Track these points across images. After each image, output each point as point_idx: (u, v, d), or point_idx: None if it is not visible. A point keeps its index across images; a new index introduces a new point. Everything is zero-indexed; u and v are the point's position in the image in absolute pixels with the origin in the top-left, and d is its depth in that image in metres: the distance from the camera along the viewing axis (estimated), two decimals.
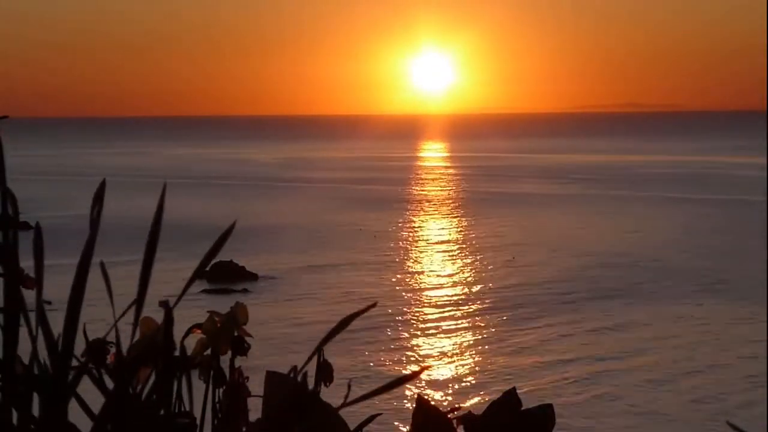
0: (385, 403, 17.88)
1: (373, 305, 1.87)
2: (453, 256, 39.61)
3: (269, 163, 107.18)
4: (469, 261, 38.08)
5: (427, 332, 26.66)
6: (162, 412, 1.84)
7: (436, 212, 56.21)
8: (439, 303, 30.30)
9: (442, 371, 22.92)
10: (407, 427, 2.79)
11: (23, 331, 1.79)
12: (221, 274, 32.34)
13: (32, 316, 1.80)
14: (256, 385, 2.24)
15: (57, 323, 1.80)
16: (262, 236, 42.95)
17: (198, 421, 2.06)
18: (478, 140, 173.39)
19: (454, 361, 23.85)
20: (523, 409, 2.66)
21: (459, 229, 48.23)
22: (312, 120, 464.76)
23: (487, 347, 25.00)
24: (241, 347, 2.21)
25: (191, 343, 2.17)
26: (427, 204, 61.02)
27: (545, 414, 2.65)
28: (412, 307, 29.45)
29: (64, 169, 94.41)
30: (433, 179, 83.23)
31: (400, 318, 27.85)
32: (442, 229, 48.59)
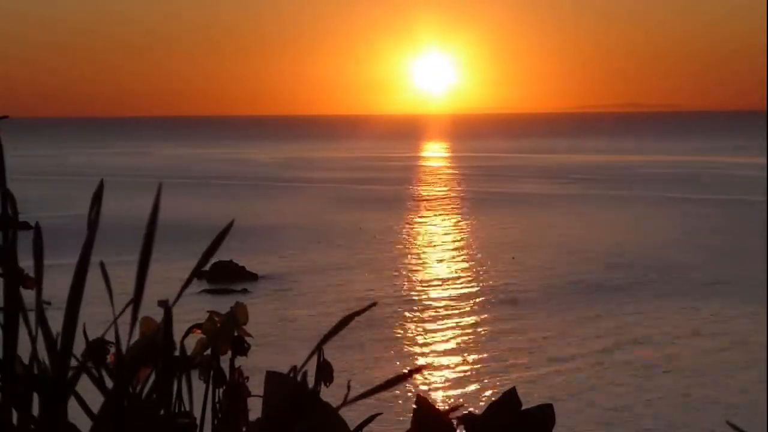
0: (385, 403, 17.89)
1: (374, 304, 1.87)
2: (453, 255, 39.61)
3: (269, 163, 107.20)
4: (469, 260, 38.08)
5: (427, 331, 26.66)
6: (162, 412, 1.84)
7: (437, 212, 56.21)
8: (439, 302, 30.30)
9: (442, 370, 22.92)
10: (407, 427, 2.79)
11: (23, 331, 1.79)
12: (221, 274, 32.36)
13: (32, 315, 1.80)
14: (256, 385, 2.24)
15: (56, 323, 1.80)
16: (262, 236, 42.95)
17: (198, 421, 2.06)
18: (479, 140, 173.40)
19: (454, 361, 23.85)
20: (523, 409, 2.66)
21: (459, 229, 48.23)
22: (313, 120, 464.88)
23: (487, 347, 25.00)
24: (241, 347, 2.21)
25: (191, 343, 2.17)
26: (427, 204, 61.02)
27: (545, 414, 2.65)
28: (412, 307, 29.45)
29: (63, 169, 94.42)
30: (433, 179, 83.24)
31: (400, 317, 27.85)
32: (443, 228, 48.59)
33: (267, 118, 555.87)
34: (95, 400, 1.86)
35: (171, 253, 33.64)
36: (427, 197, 65.65)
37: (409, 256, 39.25)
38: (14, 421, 1.76)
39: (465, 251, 40.63)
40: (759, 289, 30.16)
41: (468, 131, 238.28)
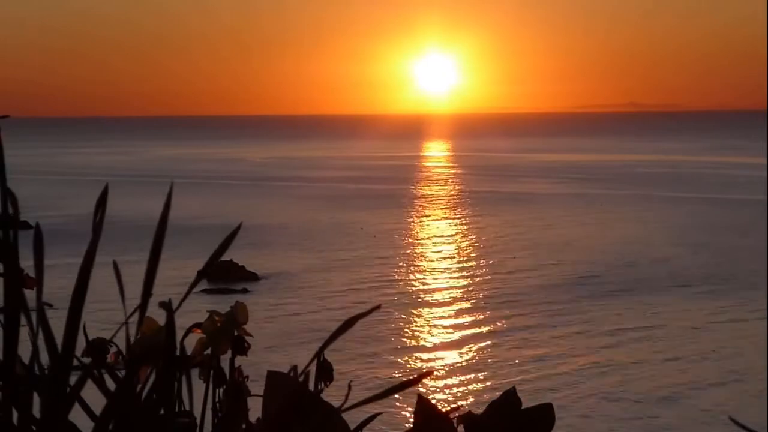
0: (385, 402, 17.88)
1: (377, 307, 1.87)
2: (454, 255, 39.60)
3: (270, 162, 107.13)
4: (470, 260, 38.08)
5: (426, 331, 26.66)
6: (162, 412, 1.84)
7: (438, 211, 56.20)
8: (439, 302, 30.30)
9: (442, 370, 22.92)
10: (407, 427, 2.79)
11: (23, 331, 1.79)
12: (221, 273, 32.36)
13: (33, 315, 1.80)
14: (256, 385, 2.24)
15: (57, 323, 1.80)
16: (262, 236, 42.94)
17: (198, 421, 2.06)
18: (480, 139, 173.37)
19: (454, 360, 23.85)
20: (523, 408, 2.66)
21: (460, 228, 48.23)
22: (316, 120, 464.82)
23: (487, 346, 25.01)
24: (241, 347, 2.21)
25: (191, 343, 2.16)
26: (428, 203, 61.01)
27: (545, 414, 2.65)
28: (412, 307, 29.45)
29: (63, 169, 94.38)
30: (434, 178, 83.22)
31: (399, 317, 27.84)
32: (444, 228, 48.59)
33: (270, 117, 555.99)
34: (96, 400, 1.86)
35: (169, 252, 33.65)
36: (428, 197, 65.64)
37: (409, 255, 39.24)
38: (14, 421, 1.76)
39: (466, 250, 40.62)
40: (755, 286, 30.20)
41: (469, 131, 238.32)
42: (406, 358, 23.95)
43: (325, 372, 2.29)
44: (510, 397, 2.64)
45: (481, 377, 22.47)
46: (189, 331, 2.15)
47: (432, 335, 26.37)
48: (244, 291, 31.31)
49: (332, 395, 2.20)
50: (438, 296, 31.35)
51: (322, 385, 2.27)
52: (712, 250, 39.39)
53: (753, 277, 32.60)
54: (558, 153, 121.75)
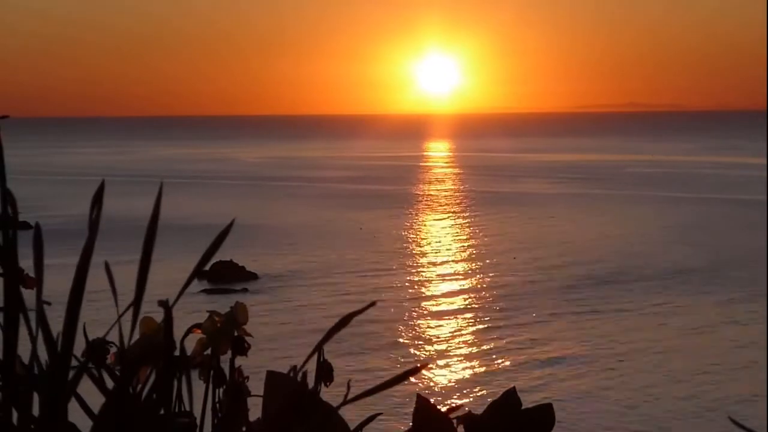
0: (385, 403, 17.88)
1: (373, 304, 1.87)
2: (454, 254, 39.60)
3: (270, 162, 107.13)
4: (470, 260, 38.07)
5: (426, 331, 26.66)
6: (162, 412, 1.84)
7: (438, 211, 56.20)
8: (438, 302, 30.30)
9: (442, 370, 22.92)
10: (407, 427, 2.79)
11: (23, 331, 1.79)
12: (221, 273, 32.36)
13: (32, 315, 1.80)
14: (256, 385, 2.24)
15: (56, 323, 1.80)
16: (262, 236, 42.95)
17: (198, 421, 2.06)
18: (481, 139, 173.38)
19: (454, 360, 23.85)
20: (522, 408, 2.66)
21: (460, 228, 48.23)
22: (317, 120, 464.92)
23: (486, 346, 25.00)
24: (241, 347, 2.21)
25: (191, 343, 2.17)
26: (428, 203, 61.01)
27: (545, 414, 2.65)
28: (412, 307, 29.44)
29: (62, 169, 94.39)
30: (434, 178, 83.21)
31: (398, 317, 27.84)
32: (444, 228, 48.59)
33: (269, 118, 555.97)
34: (95, 400, 1.86)
35: (168, 252, 33.66)
36: (428, 197, 65.64)
37: (409, 255, 39.24)
38: (14, 421, 1.76)
39: (466, 251, 40.61)
40: (753, 285, 30.22)
41: (470, 131, 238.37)
42: (406, 357, 23.94)
43: (325, 372, 2.29)
44: (510, 397, 2.64)
45: (481, 377, 22.47)
46: (189, 331, 2.15)
47: (431, 335, 26.36)
48: (244, 291, 31.31)
49: (331, 393, 2.20)
50: (437, 296, 31.35)
51: (322, 385, 2.28)
52: (712, 249, 39.40)
53: (748, 276, 32.62)
54: (558, 153, 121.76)
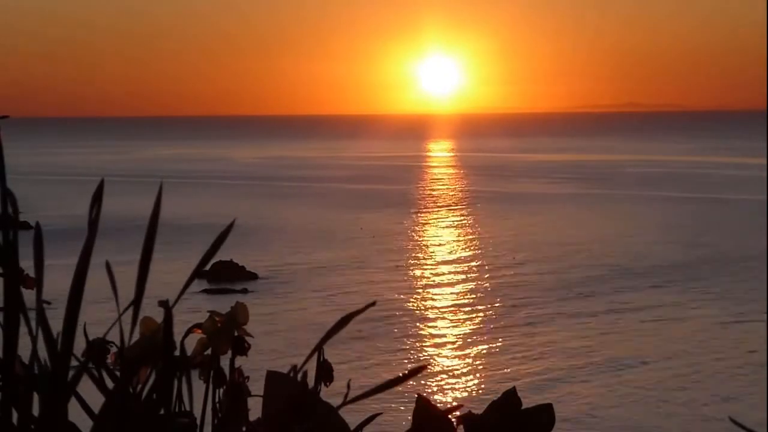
0: (385, 403, 17.88)
1: (372, 304, 1.87)
2: (454, 254, 39.60)
3: (271, 162, 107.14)
4: (470, 260, 38.07)
5: (426, 331, 26.65)
6: (162, 412, 1.84)
7: (438, 211, 56.20)
8: (438, 303, 30.30)
9: (442, 370, 22.92)
10: (407, 427, 2.79)
11: (23, 331, 1.79)
12: (221, 273, 32.35)
13: (32, 315, 1.80)
14: (256, 385, 2.24)
15: (56, 323, 1.80)
16: (262, 236, 42.95)
17: (198, 421, 2.06)
18: (482, 139, 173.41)
19: (453, 361, 23.85)
20: (522, 408, 2.66)
21: (460, 228, 48.23)
22: (319, 119, 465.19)
23: (486, 346, 25.00)
24: (241, 347, 2.21)
25: (191, 343, 2.17)
26: (429, 203, 61.01)
27: (545, 414, 2.66)
28: (410, 308, 29.44)
29: (62, 169, 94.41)
30: (435, 178, 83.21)
31: (398, 317, 27.83)
32: (444, 228, 48.60)
33: (271, 118, 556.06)
34: (95, 400, 1.86)
35: (168, 252, 33.67)
36: (429, 197, 65.65)
37: (408, 256, 39.23)
38: (14, 421, 1.76)
39: (466, 251, 40.62)
40: (751, 285, 30.24)
41: (471, 131, 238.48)
42: (404, 356, 23.94)
43: (326, 372, 2.29)
44: (510, 397, 2.64)
45: (481, 377, 22.47)
46: (189, 331, 2.15)
47: (431, 334, 26.36)
48: (244, 291, 31.30)
49: (331, 393, 2.21)
50: (437, 296, 31.34)
51: (322, 385, 2.28)
52: (712, 249, 39.41)
53: (747, 276, 32.64)
54: (558, 153, 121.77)
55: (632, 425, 19.14)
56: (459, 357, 24.20)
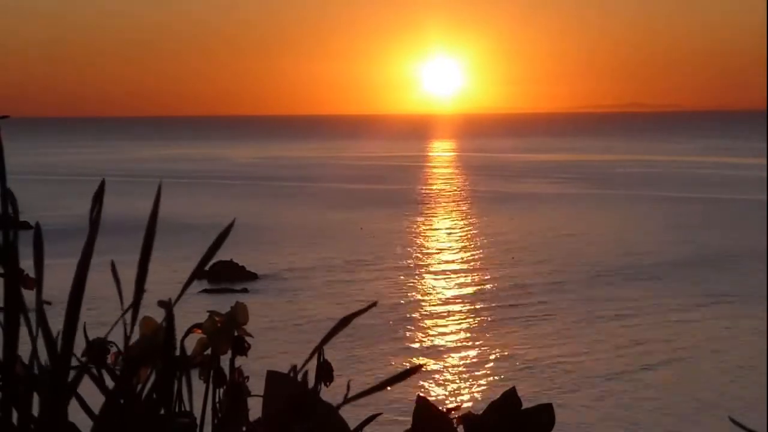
0: (385, 403, 17.88)
1: (374, 304, 1.87)
2: (454, 254, 39.59)
3: (271, 162, 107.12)
4: (469, 260, 38.06)
5: (425, 331, 26.65)
6: (162, 412, 1.84)
7: (439, 211, 56.20)
8: (438, 303, 30.30)
9: (442, 370, 22.92)
10: (407, 427, 2.79)
11: (23, 331, 1.79)
12: (221, 273, 32.34)
13: (32, 315, 1.80)
14: (256, 385, 2.24)
15: (56, 323, 1.80)
16: (262, 236, 42.95)
17: (198, 421, 2.06)
18: (483, 139, 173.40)
19: (453, 361, 23.85)
20: (522, 408, 2.67)
21: (460, 228, 48.22)
22: (321, 119, 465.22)
23: (486, 346, 25.00)
24: (241, 347, 2.21)
25: (191, 343, 2.16)
26: (429, 203, 61.00)
27: (545, 414, 2.66)
28: (411, 307, 29.44)
29: (62, 169, 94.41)
30: (436, 178, 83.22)
31: (399, 317, 27.83)
32: (444, 228, 48.58)
33: (272, 118, 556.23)
34: (95, 400, 1.86)
35: (168, 252, 33.67)
36: (429, 197, 65.63)
37: (407, 256, 39.23)
38: (14, 421, 1.76)
39: (465, 251, 40.61)
40: (749, 285, 30.24)
41: (473, 131, 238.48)
42: (404, 356, 23.94)
43: (325, 372, 2.29)
44: (510, 397, 2.64)
45: (481, 377, 22.47)
46: (189, 331, 2.15)
47: (431, 334, 26.36)
48: (244, 291, 31.30)
49: (331, 393, 2.21)
50: (437, 296, 31.35)
51: (322, 385, 2.28)
52: (712, 249, 39.42)
53: (746, 275, 32.65)
54: (560, 153, 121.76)
55: (632, 425, 19.14)
56: (459, 356, 24.20)
